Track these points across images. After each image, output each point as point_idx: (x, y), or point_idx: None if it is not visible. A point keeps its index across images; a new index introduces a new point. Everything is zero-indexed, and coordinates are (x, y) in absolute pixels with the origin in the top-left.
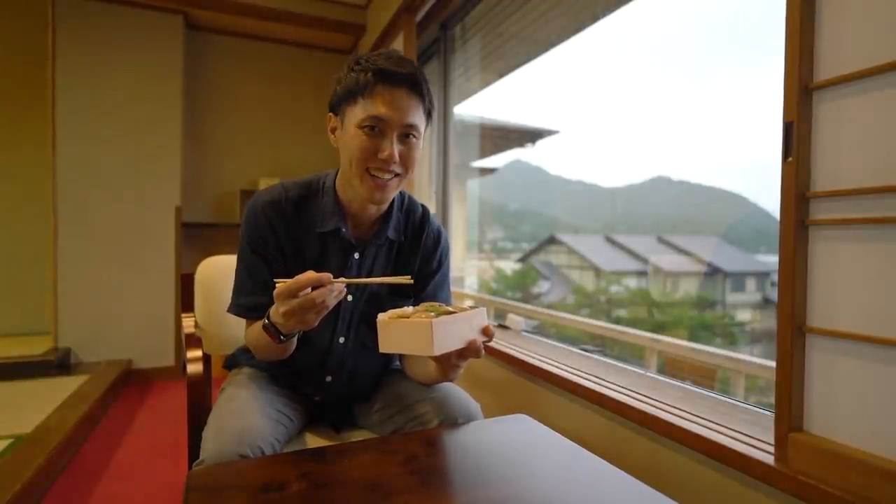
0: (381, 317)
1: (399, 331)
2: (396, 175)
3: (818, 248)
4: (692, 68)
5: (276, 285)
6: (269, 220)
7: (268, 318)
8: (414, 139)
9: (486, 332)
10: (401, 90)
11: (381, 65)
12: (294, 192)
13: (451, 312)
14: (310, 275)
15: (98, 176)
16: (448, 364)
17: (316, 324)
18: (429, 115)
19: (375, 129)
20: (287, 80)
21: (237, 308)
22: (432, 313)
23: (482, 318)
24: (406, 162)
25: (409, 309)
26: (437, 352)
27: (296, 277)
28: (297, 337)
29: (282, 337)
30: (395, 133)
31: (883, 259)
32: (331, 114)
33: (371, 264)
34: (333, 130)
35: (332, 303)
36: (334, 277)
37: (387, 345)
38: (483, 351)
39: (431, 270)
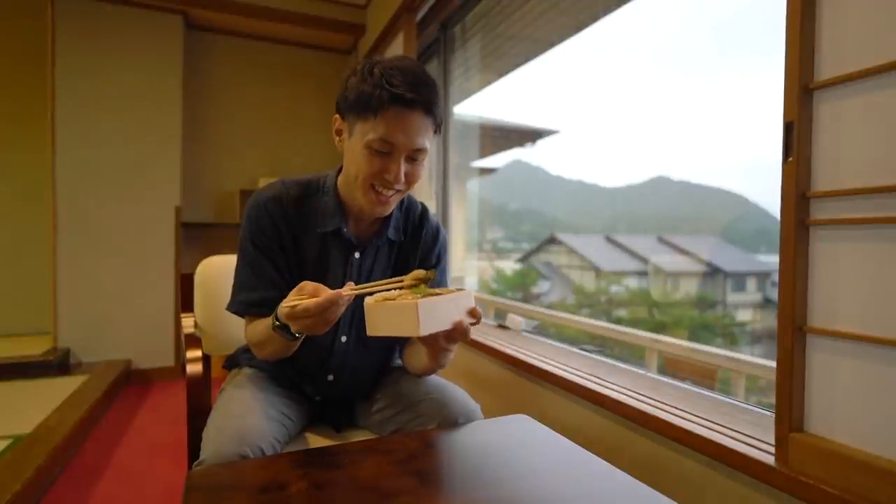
0: (368, 300)
1: (385, 313)
2: (399, 191)
3: (818, 248)
4: (693, 68)
5: (289, 307)
6: (271, 216)
7: (277, 320)
8: (421, 159)
9: (472, 313)
10: (414, 114)
11: (398, 89)
12: (294, 190)
13: (436, 294)
14: (323, 300)
15: (98, 176)
16: (437, 347)
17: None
18: (438, 130)
19: (384, 150)
20: (287, 80)
21: (239, 305)
22: (418, 295)
23: (468, 299)
24: (411, 180)
25: (394, 292)
26: (424, 332)
27: (313, 302)
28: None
29: (296, 335)
30: (404, 155)
31: (883, 259)
32: (337, 115)
33: (371, 264)
34: (339, 133)
35: (340, 312)
36: (335, 277)
37: (374, 328)
38: (470, 332)
39: (430, 267)
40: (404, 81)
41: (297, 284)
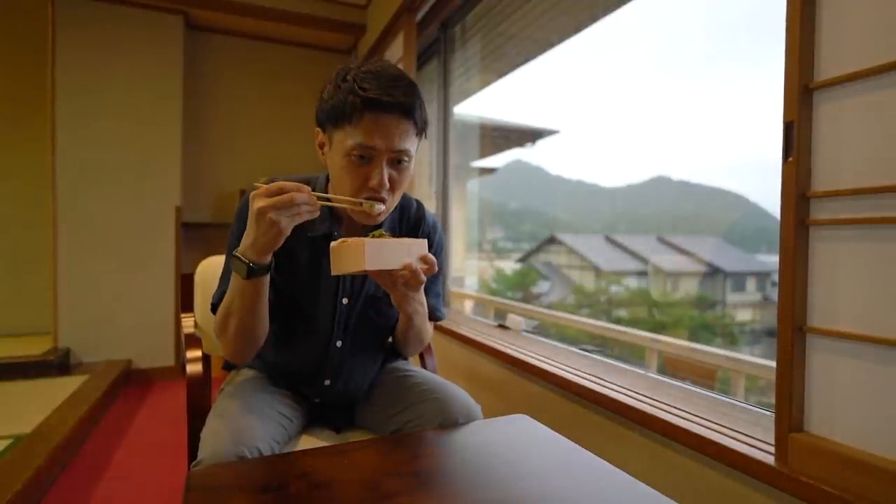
0: (333, 243)
1: (342, 251)
2: (385, 200)
3: (818, 248)
4: (693, 68)
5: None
6: None
7: (235, 252)
8: (405, 163)
9: (425, 259)
10: (390, 117)
11: (371, 93)
12: None
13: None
14: (288, 182)
15: (98, 176)
16: (397, 292)
17: (287, 235)
18: (421, 133)
19: (364, 157)
20: (287, 80)
21: (222, 296)
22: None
23: (421, 247)
24: (396, 187)
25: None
26: (369, 266)
27: (273, 183)
28: (267, 283)
29: (251, 265)
30: (385, 159)
31: (883, 259)
32: (318, 129)
33: None
34: (321, 146)
35: (305, 214)
36: (328, 281)
37: (336, 267)
38: (422, 276)
39: None
40: (378, 85)
41: (287, 288)
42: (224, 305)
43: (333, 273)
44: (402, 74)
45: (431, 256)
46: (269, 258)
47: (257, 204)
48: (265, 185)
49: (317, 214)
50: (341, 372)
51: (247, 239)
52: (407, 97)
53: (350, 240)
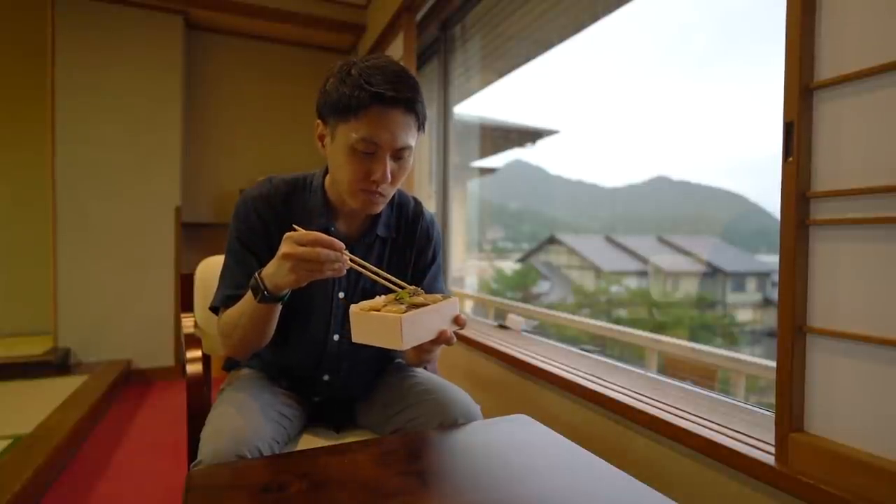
0: (353, 308)
1: (370, 323)
2: (384, 193)
3: (818, 248)
4: (693, 68)
5: (293, 228)
6: (259, 215)
7: (258, 273)
8: (406, 157)
9: (457, 321)
10: (396, 111)
11: (378, 87)
12: (282, 188)
13: (421, 304)
14: (325, 236)
15: (98, 175)
16: (421, 350)
17: (303, 284)
18: (421, 127)
19: (368, 150)
20: (287, 80)
21: (223, 298)
22: (403, 305)
23: (453, 308)
24: (396, 180)
25: (380, 299)
26: (406, 346)
27: (312, 231)
28: (279, 309)
29: (265, 293)
30: (388, 154)
31: (883, 259)
32: (319, 121)
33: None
34: (321, 138)
35: (327, 272)
36: (324, 278)
37: (359, 336)
38: (455, 339)
39: (427, 262)
40: (384, 80)
41: None
42: (233, 315)
43: (354, 341)
44: (406, 70)
45: (463, 317)
46: (284, 291)
47: (284, 248)
48: (301, 231)
49: (341, 274)
50: (340, 367)
51: (269, 268)
52: (411, 92)
53: (381, 314)
